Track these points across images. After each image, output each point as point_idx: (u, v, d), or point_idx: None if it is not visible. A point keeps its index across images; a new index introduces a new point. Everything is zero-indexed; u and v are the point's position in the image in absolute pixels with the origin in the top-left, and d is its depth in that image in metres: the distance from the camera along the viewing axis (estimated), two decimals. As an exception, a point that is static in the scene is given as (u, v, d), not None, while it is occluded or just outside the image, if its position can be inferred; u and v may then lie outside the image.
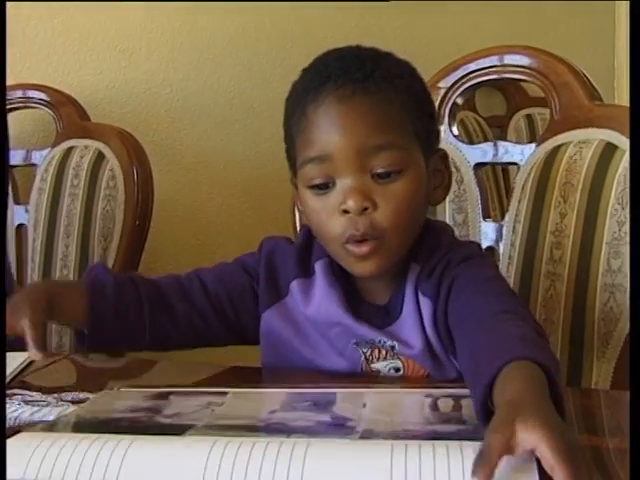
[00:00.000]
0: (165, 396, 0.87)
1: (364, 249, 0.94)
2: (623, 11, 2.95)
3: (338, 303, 1.01)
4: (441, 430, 0.75)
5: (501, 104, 2.75)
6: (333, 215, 0.94)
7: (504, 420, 0.62)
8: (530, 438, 0.59)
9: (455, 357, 0.96)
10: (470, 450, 0.63)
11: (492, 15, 2.62)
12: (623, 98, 2.65)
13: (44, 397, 0.89)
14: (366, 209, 0.92)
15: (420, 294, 0.98)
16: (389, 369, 1.00)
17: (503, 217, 1.34)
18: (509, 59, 1.31)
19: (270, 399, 0.88)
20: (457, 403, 0.84)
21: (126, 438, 0.68)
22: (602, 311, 1.18)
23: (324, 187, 0.95)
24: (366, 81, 0.93)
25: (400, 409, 0.85)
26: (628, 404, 0.82)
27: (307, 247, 1.05)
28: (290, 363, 1.04)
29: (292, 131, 1.00)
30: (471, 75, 1.33)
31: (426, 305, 0.98)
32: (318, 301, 1.02)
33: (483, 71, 1.33)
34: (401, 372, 1.00)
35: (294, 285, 1.04)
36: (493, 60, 1.32)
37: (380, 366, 1.01)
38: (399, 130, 0.94)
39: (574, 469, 0.56)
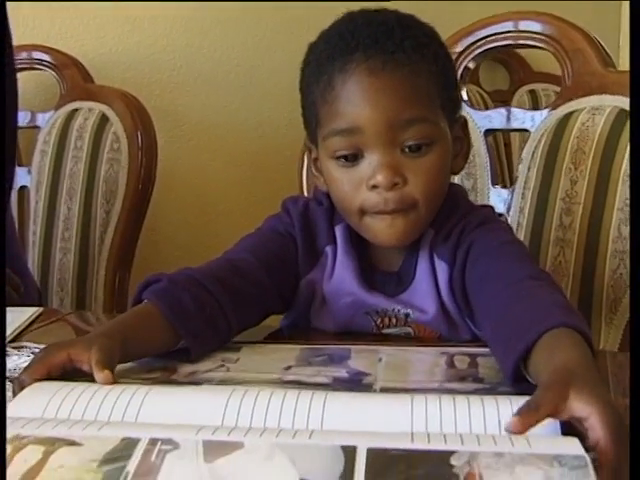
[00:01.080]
0: (180, 355, 0.85)
1: (392, 215, 0.93)
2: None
3: (353, 273, 1.00)
4: (458, 388, 0.75)
5: (504, 79, 2.74)
6: (360, 188, 0.93)
7: (559, 382, 0.61)
8: (584, 408, 0.58)
9: (471, 319, 0.96)
10: (492, 403, 0.62)
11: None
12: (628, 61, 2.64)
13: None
14: (396, 184, 0.91)
15: (436, 258, 0.98)
16: (400, 335, 1.00)
17: (510, 184, 1.34)
18: (523, 25, 1.30)
19: (284, 355, 0.87)
20: (473, 361, 0.84)
21: (145, 386, 0.69)
22: (611, 278, 1.19)
23: (352, 159, 0.93)
24: (396, 52, 0.91)
25: (415, 365, 0.85)
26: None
27: (331, 210, 1.03)
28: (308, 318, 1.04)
29: (315, 98, 0.97)
30: (485, 40, 1.32)
31: (442, 269, 0.97)
32: (337, 271, 1.02)
33: (497, 36, 1.32)
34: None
35: (328, 250, 1.02)
36: (506, 26, 1.32)
37: (392, 332, 1.01)
38: (428, 103, 0.93)
39: (621, 448, 0.56)
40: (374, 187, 0.91)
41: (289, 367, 0.82)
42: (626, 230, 1.17)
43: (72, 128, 1.76)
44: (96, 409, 0.64)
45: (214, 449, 0.54)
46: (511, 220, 1.31)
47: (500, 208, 1.33)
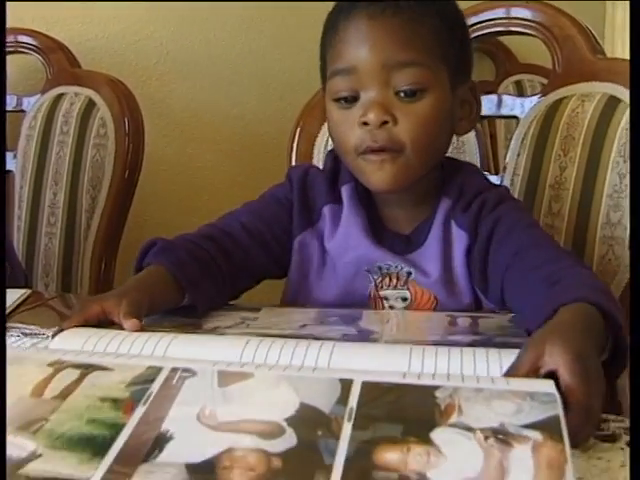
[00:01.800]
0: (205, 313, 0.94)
1: (381, 157, 0.95)
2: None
3: (360, 228, 1.03)
4: (457, 340, 0.80)
5: (490, 70, 2.74)
6: (353, 127, 0.96)
7: (536, 342, 0.65)
8: (554, 361, 0.61)
9: (482, 289, 0.98)
10: (482, 353, 0.68)
11: None
12: (614, 51, 2.66)
13: (42, 330, 0.89)
14: (386, 122, 0.94)
15: (454, 226, 1.01)
16: (397, 298, 1.02)
17: (496, 173, 1.35)
18: (514, 12, 1.30)
19: (300, 316, 0.93)
20: (474, 321, 0.89)
21: (171, 334, 0.78)
22: (600, 264, 1.19)
23: (350, 100, 0.96)
24: (399, 1, 0.95)
25: (420, 324, 0.91)
26: None
27: (335, 172, 1.07)
28: (306, 287, 1.06)
29: (325, 45, 1.02)
30: (476, 27, 1.32)
31: (461, 237, 1.00)
32: (342, 229, 1.04)
33: (488, 23, 1.32)
34: (408, 302, 1.02)
35: (326, 210, 1.05)
36: (497, 13, 1.32)
37: (389, 293, 1.02)
38: (425, 50, 0.95)
39: (587, 388, 0.59)
40: (365, 124, 0.95)
41: (304, 325, 0.88)
42: (615, 216, 1.18)
43: (58, 113, 1.74)
44: (127, 348, 0.74)
45: (227, 377, 0.63)
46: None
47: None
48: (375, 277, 1.02)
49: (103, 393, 0.61)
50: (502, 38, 2.38)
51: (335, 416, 0.56)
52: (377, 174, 0.97)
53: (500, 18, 1.32)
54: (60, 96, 1.76)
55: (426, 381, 0.60)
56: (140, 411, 0.58)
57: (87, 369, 0.65)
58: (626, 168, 1.17)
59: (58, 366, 0.66)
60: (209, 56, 2.16)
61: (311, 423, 0.55)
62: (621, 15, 2.98)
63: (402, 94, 0.94)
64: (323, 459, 0.51)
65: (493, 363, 0.66)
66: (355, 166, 1.00)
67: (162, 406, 0.59)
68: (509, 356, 0.66)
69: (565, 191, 1.23)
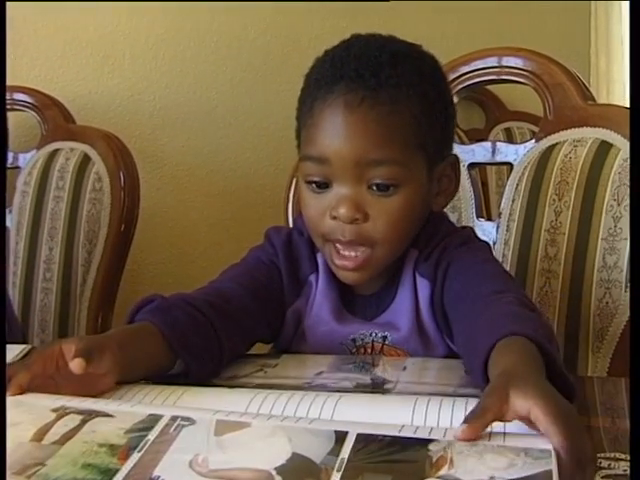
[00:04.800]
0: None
1: (347, 263, 0.95)
2: (601, 12, 3.02)
3: (330, 302, 1.01)
4: (471, 393, 0.77)
5: (480, 118, 2.78)
6: (324, 216, 0.94)
7: (498, 387, 0.64)
8: (524, 404, 0.60)
9: (449, 337, 0.97)
10: None
11: (493, 14, 2.69)
12: (599, 97, 2.70)
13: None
14: (356, 219, 0.92)
15: (418, 276, 0.99)
16: None
17: (488, 216, 1.36)
18: (505, 61, 1.33)
19: (319, 362, 0.93)
20: None
21: (182, 387, 0.78)
22: (597, 307, 1.20)
23: (322, 186, 0.94)
24: (378, 89, 0.91)
25: (435, 373, 0.89)
26: (622, 390, 0.85)
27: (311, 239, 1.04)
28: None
29: (300, 119, 0.99)
30: (469, 75, 1.34)
31: (424, 286, 0.99)
32: (317, 302, 1.03)
33: (480, 72, 1.34)
34: None
35: (312, 278, 1.03)
36: (489, 62, 1.34)
37: None
38: (402, 144, 0.92)
39: (567, 429, 0.58)
40: (335, 218, 0.93)
41: (320, 372, 0.88)
42: (611, 259, 1.19)
43: (53, 168, 1.75)
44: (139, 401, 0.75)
45: (225, 426, 0.63)
46: (496, 253, 1.31)
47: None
48: (351, 349, 1.01)
49: (101, 439, 0.62)
50: (491, 87, 2.41)
51: (325, 466, 0.56)
52: (343, 273, 0.96)
53: (492, 67, 1.33)
54: (55, 152, 1.77)
55: (421, 434, 0.60)
56: (135, 457, 0.59)
57: (90, 415, 0.66)
58: (620, 211, 1.18)
59: (61, 412, 0.67)
60: (202, 110, 2.18)
61: (301, 473, 0.56)
62: (604, 63, 3.04)
63: (375, 188, 0.92)
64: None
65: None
66: (323, 250, 0.99)
67: (157, 453, 0.59)
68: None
69: (561, 235, 1.24)
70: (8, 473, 0.58)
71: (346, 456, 0.57)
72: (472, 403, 0.66)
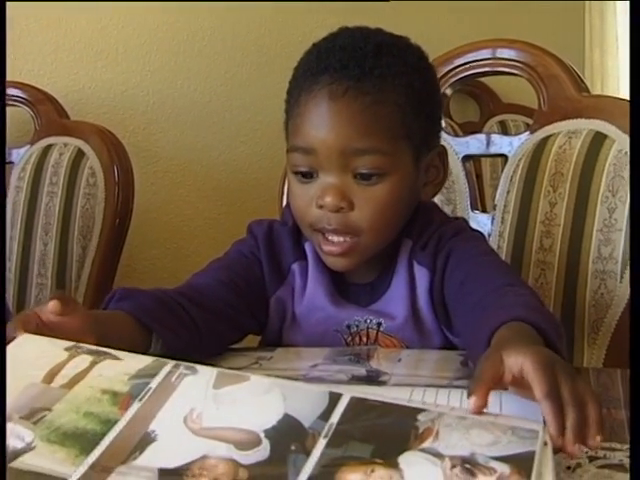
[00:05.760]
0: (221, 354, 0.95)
1: (333, 248, 0.95)
2: (596, 6, 3.03)
3: (324, 288, 1.02)
4: (466, 385, 0.76)
5: (475, 111, 2.78)
6: (311, 205, 0.95)
7: (491, 351, 0.66)
8: (516, 360, 0.62)
9: (447, 326, 0.97)
10: None
11: (493, 14, 2.69)
12: (593, 89, 2.71)
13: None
14: (342, 208, 0.93)
15: (416, 264, 1.00)
16: None
17: (483, 209, 1.36)
18: (499, 53, 1.32)
19: (314, 354, 0.93)
20: None
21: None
22: (593, 298, 1.20)
23: (308, 176, 0.95)
24: (362, 79, 0.91)
25: (431, 364, 0.89)
26: (618, 381, 0.85)
27: (298, 227, 1.03)
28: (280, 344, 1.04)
29: (288, 110, 1.00)
30: (462, 68, 1.34)
31: (423, 274, 0.99)
32: (309, 289, 1.03)
33: (474, 64, 1.34)
34: None
35: (295, 267, 1.04)
36: (483, 54, 1.34)
37: None
38: (387, 134, 0.92)
39: (552, 376, 0.59)
40: (321, 207, 0.94)
41: (316, 365, 0.88)
42: (606, 250, 1.19)
43: (47, 163, 1.75)
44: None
45: (224, 378, 0.64)
46: (491, 245, 1.30)
47: (480, 233, 1.34)
48: (345, 337, 1.01)
49: (106, 384, 0.64)
50: (485, 79, 2.41)
51: (313, 431, 0.57)
52: (326, 249, 0.96)
53: (486, 59, 1.33)
54: (49, 147, 1.77)
55: (413, 404, 0.61)
56: (134, 408, 0.61)
57: (99, 357, 0.68)
58: (615, 202, 1.18)
59: (73, 352, 0.68)
60: (196, 104, 2.18)
61: (288, 437, 0.57)
62: (598, 56, 3.04)
63: (360, 177, 0.92)
64: (288, 476, 0.53)
65: (493, 406, 0.64)
66: (311, 238, 0.99)
67: (155, 404, 0.61)
68: (510, 399, 0.65)
69: (556, 227, 1.24)
70: (16, 416, 0.60)
71: (336, 420, 0.58)
72: (465, 394, 0.66)
